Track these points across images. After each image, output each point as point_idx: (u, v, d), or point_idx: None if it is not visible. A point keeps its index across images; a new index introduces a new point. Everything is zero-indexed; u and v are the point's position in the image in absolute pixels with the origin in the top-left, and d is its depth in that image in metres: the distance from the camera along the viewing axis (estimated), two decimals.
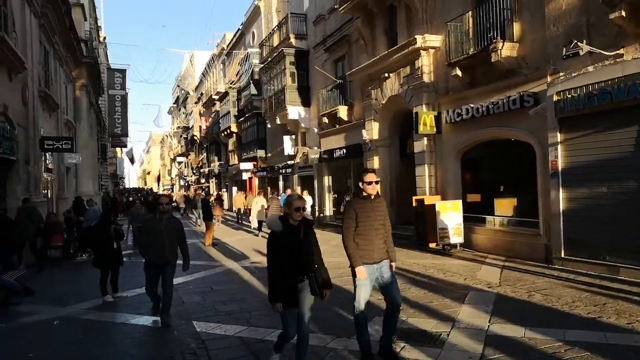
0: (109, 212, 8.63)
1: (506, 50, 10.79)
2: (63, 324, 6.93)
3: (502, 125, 11.33)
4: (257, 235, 17.88)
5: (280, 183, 27.58)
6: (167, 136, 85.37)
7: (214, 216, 18.57)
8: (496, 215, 12.08)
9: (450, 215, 12.27)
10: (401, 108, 15.81)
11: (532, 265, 9.82)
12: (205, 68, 45.89)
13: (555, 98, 9.55)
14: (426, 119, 13.35)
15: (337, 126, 19.67)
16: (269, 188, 30.20)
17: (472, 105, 11.95)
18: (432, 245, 13.09)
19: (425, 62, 13.81)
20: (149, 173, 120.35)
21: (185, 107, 62.32)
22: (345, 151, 19.03)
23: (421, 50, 13.66)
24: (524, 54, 10.75)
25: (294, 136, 24.72)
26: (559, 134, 9.64)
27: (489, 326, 5.98)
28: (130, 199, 27.80)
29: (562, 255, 9.58)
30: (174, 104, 68.04)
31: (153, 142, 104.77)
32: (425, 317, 6.51)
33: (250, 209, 20.49)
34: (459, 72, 12.21)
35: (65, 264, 12.89)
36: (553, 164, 9.74)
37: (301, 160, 23.92)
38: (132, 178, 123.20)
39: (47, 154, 15.92)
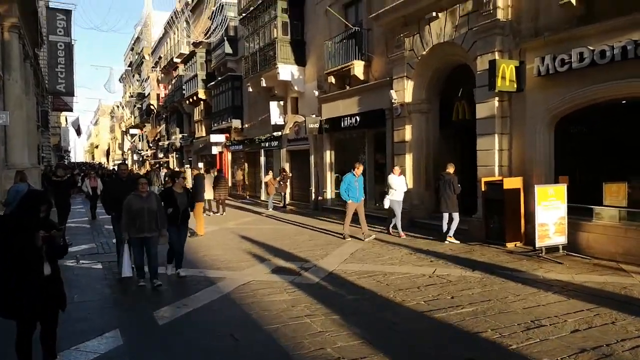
0: (37, 201, 4.16)
1: None
2: None
3: None
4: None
5: (262, 159, 23.28)
6: (117, 106, 78.17)
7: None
8: (621, 207, 8.54)
9: (552, 206, 8.66)
10: (448, 61, 12.05)
11: None
12: (165, 26, 40.27)
13: None
14: (506, 71, 9.62)
15: (348, 87, 15.65)
16: (245, 165, 25.94)
17: (590, 48, 8.26)
18: (511, 245, 9.55)
19: None
20: (97, 147, 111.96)
21: (139, 74, 55.96)
22: (358, 119, 15.08)
23: None
24: None
25: (282, 102, 20.47)
26: None
27: None
28: (84, 174, 22.16)
29: None
30: (127, 67, 61.14)
31: (102, 113, 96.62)
32: None
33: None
34: (573, 0, 8.46)
35: None
36: None
37: (292, 131, 19.77)
38: (78, 152, 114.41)
39: None
